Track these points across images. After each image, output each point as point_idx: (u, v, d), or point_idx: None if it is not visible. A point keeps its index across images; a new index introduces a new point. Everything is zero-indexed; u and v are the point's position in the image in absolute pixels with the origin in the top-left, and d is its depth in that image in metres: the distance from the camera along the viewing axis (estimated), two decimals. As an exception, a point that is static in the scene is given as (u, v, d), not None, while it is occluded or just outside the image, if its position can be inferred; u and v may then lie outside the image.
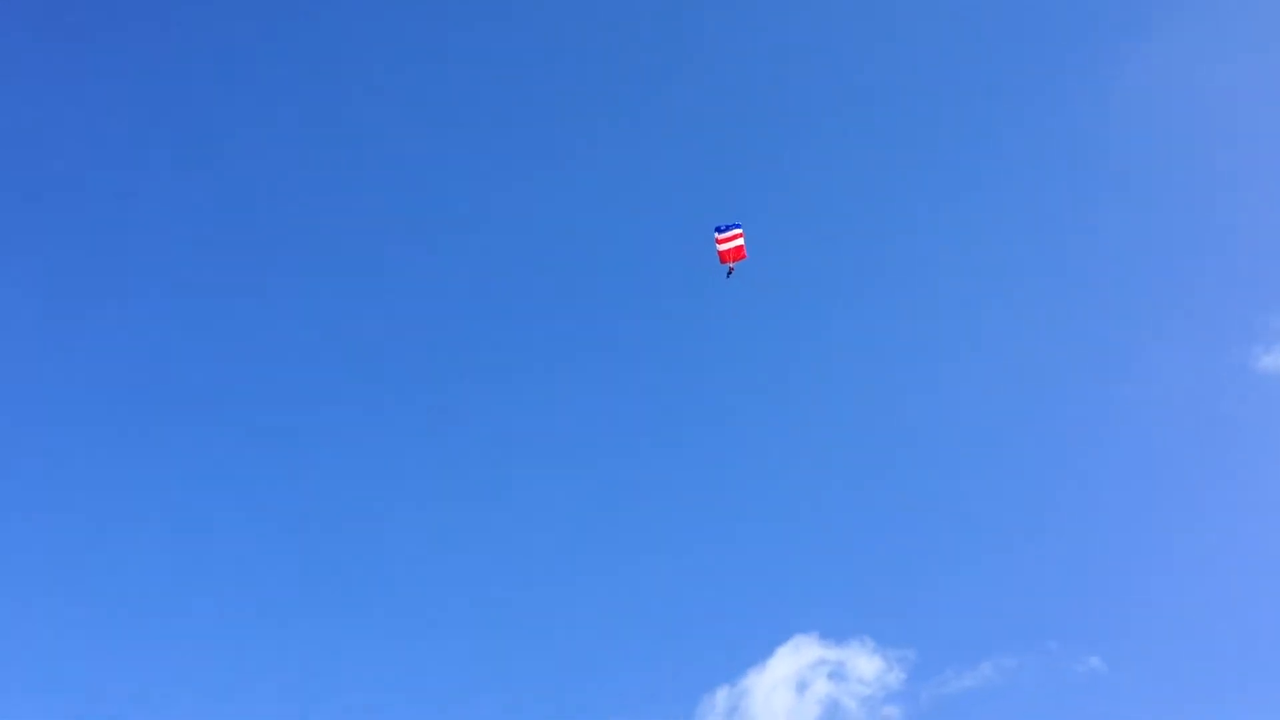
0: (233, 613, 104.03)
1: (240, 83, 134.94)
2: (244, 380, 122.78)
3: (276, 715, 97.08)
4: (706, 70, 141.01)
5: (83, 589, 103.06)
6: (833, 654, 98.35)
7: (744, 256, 66.39)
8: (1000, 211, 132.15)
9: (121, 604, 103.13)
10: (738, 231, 66.27)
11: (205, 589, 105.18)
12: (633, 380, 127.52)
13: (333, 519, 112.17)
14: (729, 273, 66.54)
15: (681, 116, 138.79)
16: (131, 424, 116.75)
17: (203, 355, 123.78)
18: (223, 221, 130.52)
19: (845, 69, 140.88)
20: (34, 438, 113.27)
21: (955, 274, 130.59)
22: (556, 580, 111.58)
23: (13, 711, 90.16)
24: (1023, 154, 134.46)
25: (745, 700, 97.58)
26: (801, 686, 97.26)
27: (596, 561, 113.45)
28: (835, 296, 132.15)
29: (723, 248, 65.38)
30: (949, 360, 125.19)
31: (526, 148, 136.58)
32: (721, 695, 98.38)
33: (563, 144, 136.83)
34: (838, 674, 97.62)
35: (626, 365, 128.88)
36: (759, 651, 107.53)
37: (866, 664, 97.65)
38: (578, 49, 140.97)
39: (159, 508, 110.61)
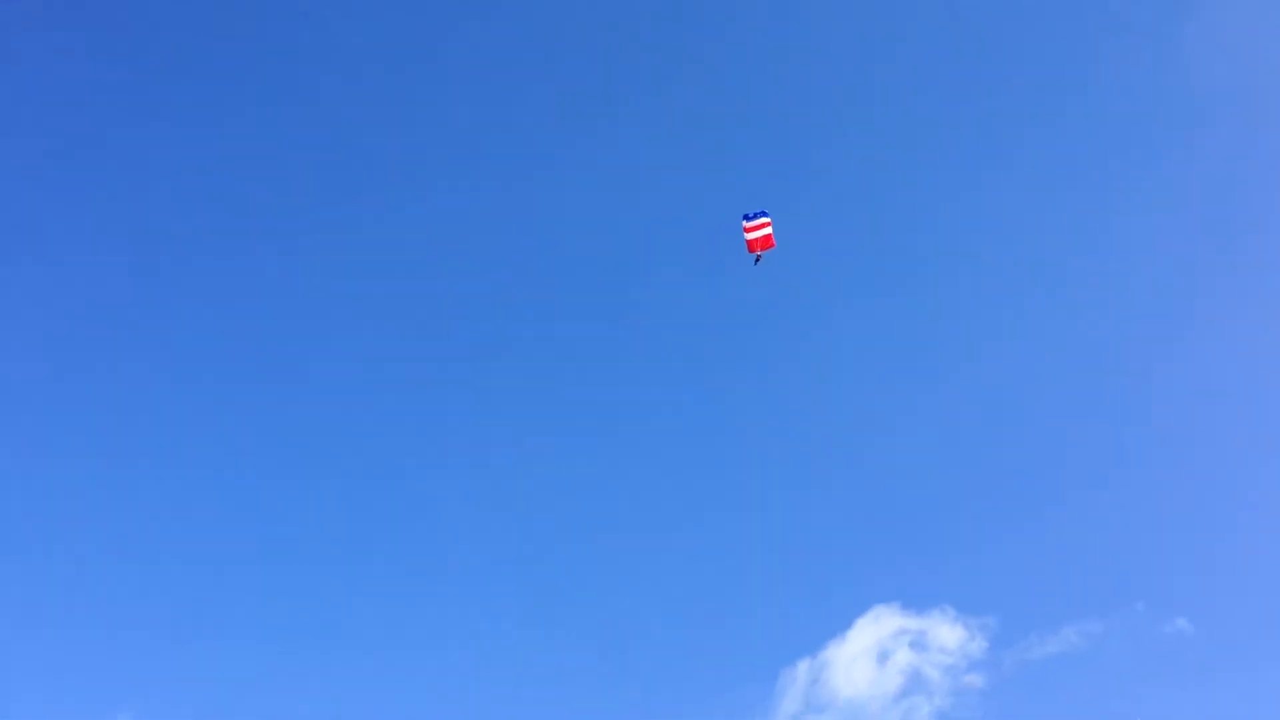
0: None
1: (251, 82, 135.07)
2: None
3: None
4: (711, 68, 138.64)
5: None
6: (914, 623, 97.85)
7: (772, 245, 64.90)
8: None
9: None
10: (765, 220, 64.84)
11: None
12: (711, 353, 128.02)
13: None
14: (757, 260, 65.53)
15: (685, 115, 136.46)
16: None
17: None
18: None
19: (848, 69, 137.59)
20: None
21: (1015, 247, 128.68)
22: (637, 555, 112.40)
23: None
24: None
25: (826, 672, 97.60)
26: (883, 657, 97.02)
27: (675, 537, 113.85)
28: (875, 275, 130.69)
29: (750, 236, 64.15)
30: (1029, 321, 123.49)
31: (534, 146, 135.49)
32: (803, 667, 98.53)
33: (565, 142, 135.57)
34: (919, 643, 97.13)
35: (704, 340, 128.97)
36: (839, 623, 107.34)
37: (948, 633, 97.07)
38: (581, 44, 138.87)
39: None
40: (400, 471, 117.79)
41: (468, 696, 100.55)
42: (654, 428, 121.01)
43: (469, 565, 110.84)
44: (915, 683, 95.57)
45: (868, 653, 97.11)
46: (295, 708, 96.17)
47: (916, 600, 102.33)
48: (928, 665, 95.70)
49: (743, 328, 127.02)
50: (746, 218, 64.83)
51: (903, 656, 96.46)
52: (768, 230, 64.57)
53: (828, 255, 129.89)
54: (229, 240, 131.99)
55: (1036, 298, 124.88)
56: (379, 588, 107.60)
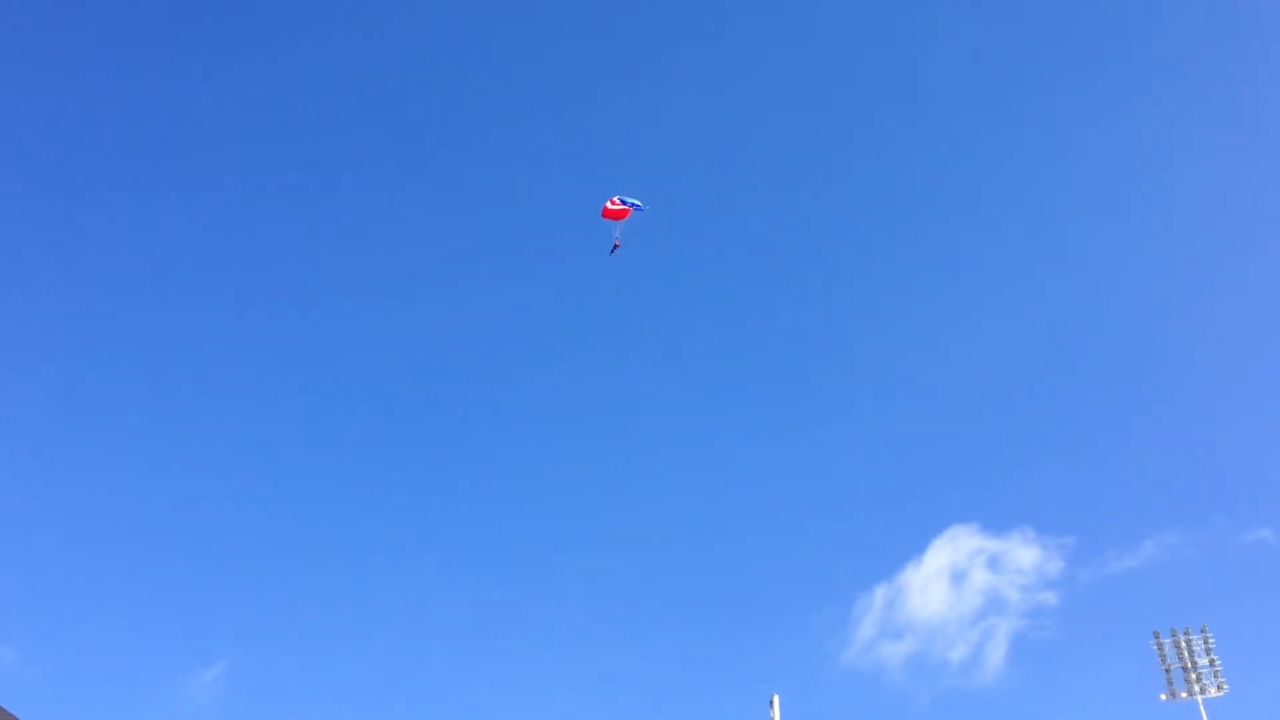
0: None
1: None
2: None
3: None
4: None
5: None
6: (990, 544, 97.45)
7: (625, 215, 57.45)
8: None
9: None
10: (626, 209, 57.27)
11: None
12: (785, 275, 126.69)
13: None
14: (614, 249, 57.79)
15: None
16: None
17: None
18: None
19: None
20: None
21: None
22: (715, 482, 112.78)
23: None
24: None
25: (902, 596, 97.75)
26: (958, 578, 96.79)
27: (752, 463, 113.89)
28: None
29: (612, 207, 56.64)
30: (1101, 239, 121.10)
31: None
32: (879, 592, 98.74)
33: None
34: (995, 564, 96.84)
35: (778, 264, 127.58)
36: (915, 545, 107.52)
37: (1024, 553, 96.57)
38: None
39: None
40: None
41: (579, 610, 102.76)
42: (722, 353, 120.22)
43: (580, 497, 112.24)
44: (992, 604, 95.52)
45: (942, 574, 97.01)
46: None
47: (996, 521, 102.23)
48: (1004, 586, 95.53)
49: (811, 251, 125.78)
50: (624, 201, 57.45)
51: (979, 577, 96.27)
52: (624, 207, 57.20)
53: (893, 182, 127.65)
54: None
55: (1106, 219, 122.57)
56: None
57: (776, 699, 43.38)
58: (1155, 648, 69.70)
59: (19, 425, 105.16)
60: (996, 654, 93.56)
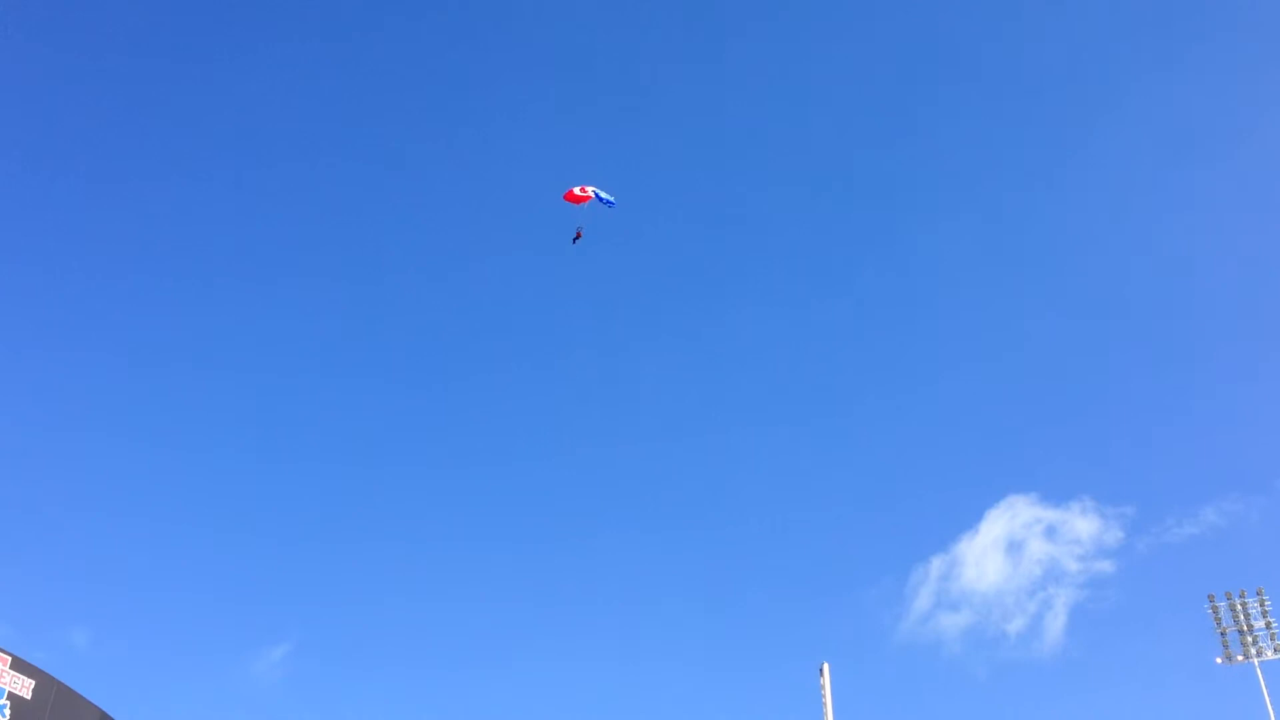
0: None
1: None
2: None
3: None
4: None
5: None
6: (1048, 514, 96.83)
7: (584, 198, 54.53)
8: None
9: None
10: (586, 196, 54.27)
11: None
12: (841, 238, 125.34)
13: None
14: (576, 238, 55.54)
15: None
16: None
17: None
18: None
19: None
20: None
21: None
22: (766, 453, 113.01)
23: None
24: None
25: (958, 568, 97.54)
26: (1015, 549, 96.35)
27: (804, 434, 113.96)
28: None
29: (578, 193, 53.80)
30: (1160, 210, 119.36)
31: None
32: (936, 563, 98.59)
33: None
34: (1052, 534, 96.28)
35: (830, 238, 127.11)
36: (970, 516, 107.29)
37: (1083, 523, 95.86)
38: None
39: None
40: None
41: (638, 582, 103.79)
42: (778, 327, 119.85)
43: (641, 472, 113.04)
44: (1050, 574, 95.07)
45: (998, 545, 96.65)
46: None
47: (1054, 491, 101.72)
48: (1063, 556, 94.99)
49: (867, 222, 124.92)
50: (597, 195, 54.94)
51: (1036, 548, 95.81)
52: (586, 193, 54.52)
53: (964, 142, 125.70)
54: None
55: (1165, 189, 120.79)
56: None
57: (826, 667, 43.81)
58: (1210, 612, 69.34)
59: (87, 408, 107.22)
60: (1055, 625, 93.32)
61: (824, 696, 43.32)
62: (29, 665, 38.63)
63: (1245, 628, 68.24)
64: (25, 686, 38.20)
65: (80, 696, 40.39)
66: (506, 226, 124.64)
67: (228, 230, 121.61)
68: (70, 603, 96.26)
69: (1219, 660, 68.31)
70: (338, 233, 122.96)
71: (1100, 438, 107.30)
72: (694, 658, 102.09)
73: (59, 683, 39.52)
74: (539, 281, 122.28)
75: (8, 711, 37.51)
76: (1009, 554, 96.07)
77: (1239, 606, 68.71)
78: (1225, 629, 68.56)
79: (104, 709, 41.30)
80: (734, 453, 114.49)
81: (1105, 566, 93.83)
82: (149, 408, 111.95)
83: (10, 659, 37.99)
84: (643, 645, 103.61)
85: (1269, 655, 67.43)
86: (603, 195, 53.71)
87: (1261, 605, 68.57)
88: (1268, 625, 68.05)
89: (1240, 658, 67.85)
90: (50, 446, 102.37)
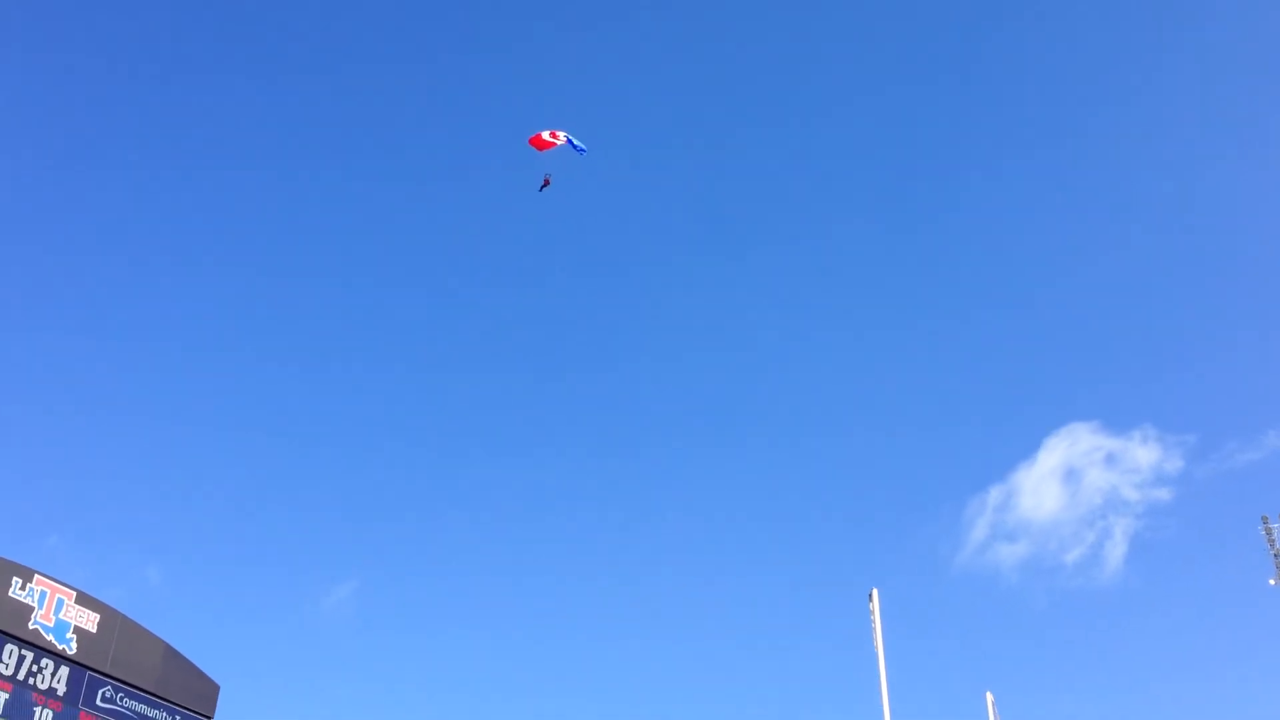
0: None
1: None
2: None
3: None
4: None
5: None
6: (1108, 442, 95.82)
7: (550, 144, 51.50)
8: None
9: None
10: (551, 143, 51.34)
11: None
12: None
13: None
14: (544, 185, 52.37)
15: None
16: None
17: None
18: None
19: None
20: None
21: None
22: (819, 383, 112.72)
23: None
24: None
25: (1015, 498, 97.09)
26: (1073, 478, 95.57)
27: (857, 359, 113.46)
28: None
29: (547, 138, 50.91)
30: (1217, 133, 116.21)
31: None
32: (993, 493, 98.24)
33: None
34: (1111, 462, 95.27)
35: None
36: (1028, 444, 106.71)
37: (1143, 452, 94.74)
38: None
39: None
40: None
41: (693, 510, 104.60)
42: (839, 252, 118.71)
43: (695, 400, 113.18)
44: (1109, 503, 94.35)
45: (1055, 474, 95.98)
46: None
47: (1116, 419, 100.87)
48: (1122, 484, 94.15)
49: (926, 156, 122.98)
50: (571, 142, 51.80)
51: (1095, 476, 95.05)
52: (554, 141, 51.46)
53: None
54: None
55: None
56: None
57: (875, 593, 43.98)
58: (1265, 534, 68.77)
59: (148, 358, 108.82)
60: (1115, 554, 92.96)
61: (874, 622, 43.54)
62: (94, 600, 39.64)
63: (1299, 549, 67.66)
64: (91, 620, 39.25)
65: (145, 630, 41.45)
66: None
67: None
68: (143, 542, 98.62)
69: (1272, 582, 67.89)
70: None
71: (1162, 364, 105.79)
72: (747, 576, 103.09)
73: (123, 616, 40.57)
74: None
75: (75, 644, 38.58)
76: (1067, 483, 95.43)
77: (1293, 528, 68.08)
78: (1279, 550, 67.99)
79: (170, 643, 42.40)
80: (788, 379, 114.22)
81: (1163, 495, 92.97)
82: (233, 385, 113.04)
83: (75, 594, 39.00)
84: (697, 561, 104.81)
85: (1323, 576, 66.92)
86: (575, 142, 51.40)
87: (1316, 526, 67.89)
88: (1323, 546, 67.44)
89: (1294, 578, 67.37)
90: (128, 402, 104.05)
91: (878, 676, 42.93)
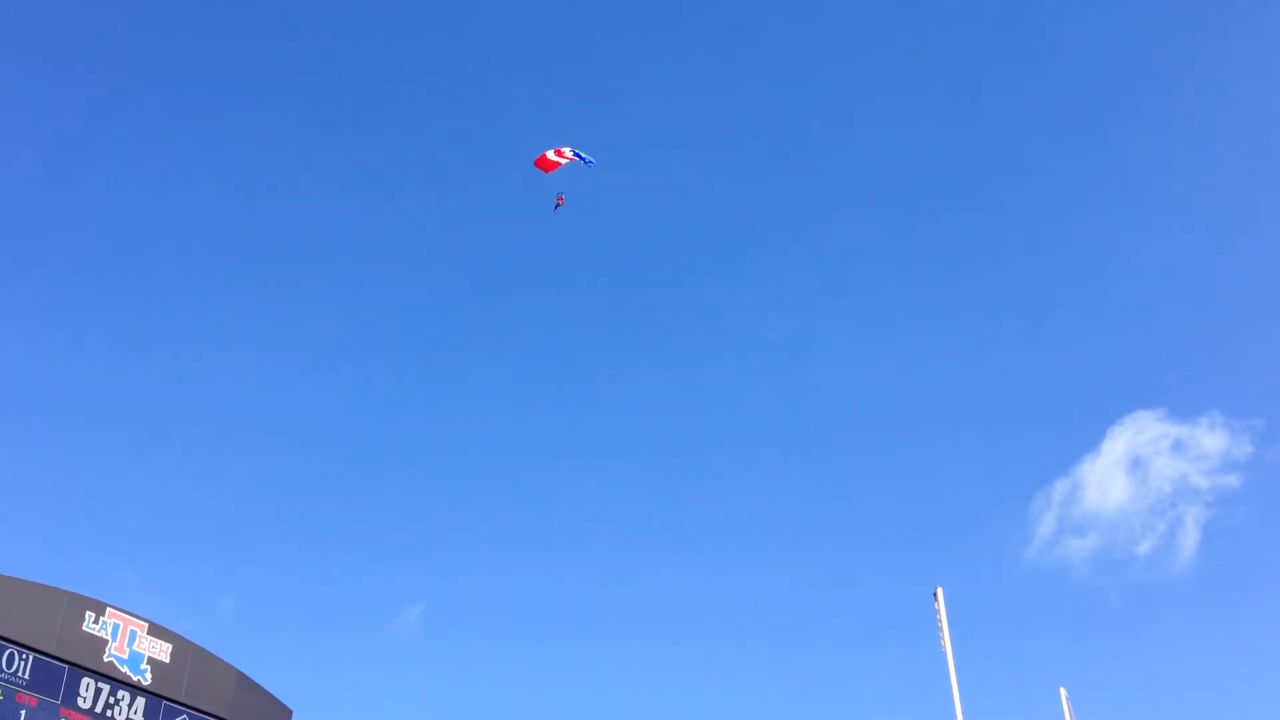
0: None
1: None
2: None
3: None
4: None
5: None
6: (1174, 430, 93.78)
7: (555, 164, 50.14)
8: None
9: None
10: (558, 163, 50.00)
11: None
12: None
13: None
14: (557, 205, 50.94)
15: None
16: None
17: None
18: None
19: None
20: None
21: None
22: (879, 385, 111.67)
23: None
24: None
25: (1080, 491, 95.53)
26: (1138, 467, 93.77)
27: (914, 363, 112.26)
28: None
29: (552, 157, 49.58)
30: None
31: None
32: (1059, 487, 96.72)
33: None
34: (1179, 449, 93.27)
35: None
36: (1092, 435, 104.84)
37: (1210, 438, 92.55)
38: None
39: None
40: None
41: (754, 509, 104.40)
42: (893, 248, 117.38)
43: (753, 400, 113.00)
44: (1179, 492, 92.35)
45: (1120, 464, 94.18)
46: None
47: (1182, 405, 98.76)
48: (1191, 472, 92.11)
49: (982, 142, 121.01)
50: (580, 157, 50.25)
51: (1162, 465, 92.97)
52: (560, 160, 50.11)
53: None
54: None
55: None
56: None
57: (940, 592, 43.43)
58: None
59: (216, 394, 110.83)
60: (1188, 544, 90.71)
61: (940, 622, 42.96)
62: (166, 630, 40.55)
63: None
64: (164, 651, 40.14)
65: (217, 658, 42.29)
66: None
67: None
68: (217, 571, 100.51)
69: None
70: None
71: (1227, 348, 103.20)
72: (803, 579, 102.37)
73: (195, 645, 41.43)
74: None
75: (149, 675, 39.47)
76: (1132, 473, 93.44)
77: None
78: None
79: (242, 670, 43.15)
80: (849, 375, 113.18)
81: (1233, 481, 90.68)
82: (295, 401, 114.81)
83: (147, 625, 39.91)
84: (753, 564, 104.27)
85: None
86: (584, 155, 49.96)
87: None
88: None
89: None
90: (198, 437, 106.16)
91: (947, 676, 42.38)
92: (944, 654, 42.90)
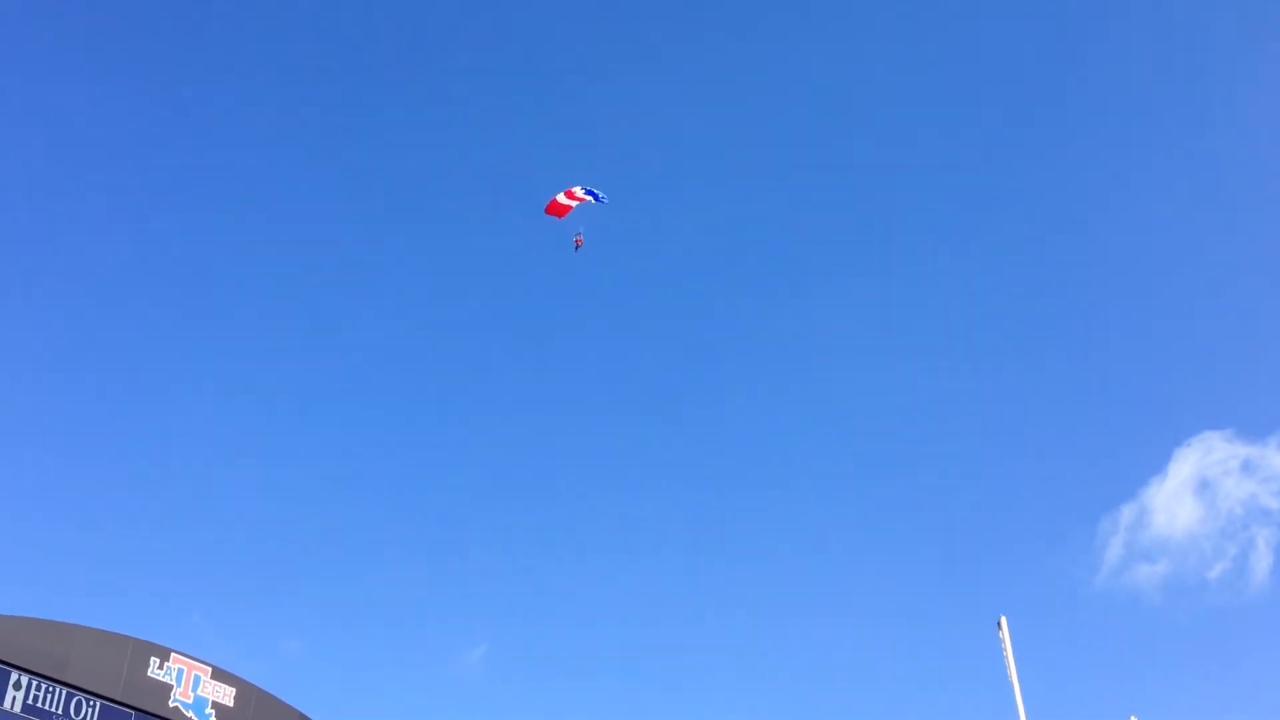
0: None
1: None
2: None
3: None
4: None
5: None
6: (1243, 450, 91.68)
7: (566, 208, 49.01)
8: None
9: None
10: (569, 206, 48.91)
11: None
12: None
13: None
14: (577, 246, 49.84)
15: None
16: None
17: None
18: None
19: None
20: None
21: None
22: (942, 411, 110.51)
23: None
24: None
25: (1148, 515, 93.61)
26: (1208, 489, 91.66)
27: (974, 388, 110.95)
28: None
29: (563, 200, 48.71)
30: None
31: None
32: (1126, 512, 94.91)
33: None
34: (1248, 470, 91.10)
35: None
36: (1157, 459, 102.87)
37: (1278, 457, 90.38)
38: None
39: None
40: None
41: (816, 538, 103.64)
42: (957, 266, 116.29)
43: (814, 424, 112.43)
44: (1250, 514, 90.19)
45: (1188, 486, 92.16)
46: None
47: (1251, 426, 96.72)
48: (1260, 493, 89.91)
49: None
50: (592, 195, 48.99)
51: (1231, 487, 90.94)
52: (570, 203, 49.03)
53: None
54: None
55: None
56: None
57: (1004, 620, 42.70)
58: None
59: (291, 437, 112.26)
60: (1261, 566, 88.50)
61: (1005, 652, 42.20)
62: (229, 674, 41.02)
63: None
64: (227, 695, 40.60)
65: (280, 701, 42.69)
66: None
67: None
68: (283, 617, 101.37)
69: None
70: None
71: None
72: (870, 612, 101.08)
73: (258, 688, 41.87)
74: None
75: (213, 719, 39.80)
76: (1201, 495, 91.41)
77: None
78: None
79: (306, 713, 43.46)
80: (908, 404, 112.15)
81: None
82: (357, 444, 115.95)
83: (211, 669, 40.42)
84: (817, 598, 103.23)
85: None
86: (596, 193, 48.87)
87: None
88: None
89: None
90: (271, 481, 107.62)
91: (1015, 706, 41.59)
92: (1010, 684, 42.22)
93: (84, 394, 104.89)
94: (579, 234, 50.21)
